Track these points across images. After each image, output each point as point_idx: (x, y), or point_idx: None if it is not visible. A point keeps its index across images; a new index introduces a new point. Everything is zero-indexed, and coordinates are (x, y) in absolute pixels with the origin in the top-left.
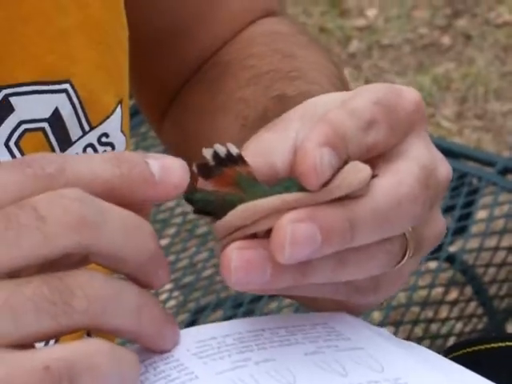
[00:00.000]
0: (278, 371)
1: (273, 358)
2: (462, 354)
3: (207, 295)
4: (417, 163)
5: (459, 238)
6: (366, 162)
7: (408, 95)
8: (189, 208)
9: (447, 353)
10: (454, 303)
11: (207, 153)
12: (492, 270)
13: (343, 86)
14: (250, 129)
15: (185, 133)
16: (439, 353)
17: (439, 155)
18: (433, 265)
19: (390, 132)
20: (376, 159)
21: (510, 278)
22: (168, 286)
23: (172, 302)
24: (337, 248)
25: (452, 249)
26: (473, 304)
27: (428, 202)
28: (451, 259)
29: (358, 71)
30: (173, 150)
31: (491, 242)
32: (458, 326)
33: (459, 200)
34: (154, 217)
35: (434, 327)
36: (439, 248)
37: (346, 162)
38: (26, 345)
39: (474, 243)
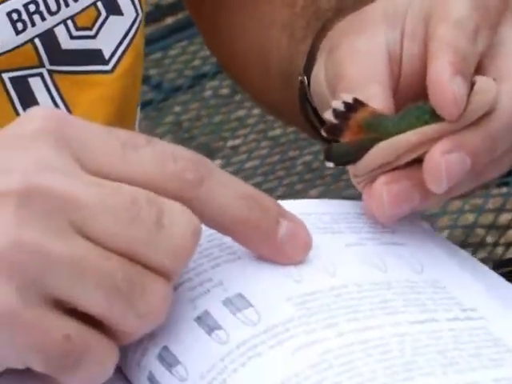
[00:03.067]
0: (320, 259)
1: (315, 245)
2: None
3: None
4: None
5: None
6: None
7: None
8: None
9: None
10: None
11: (328, 114)
12: None
13: None
14: (301, 16)
15: (219, 22)
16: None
17: None
18: (503, 190)
19: (490, 32)
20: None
21: None
22: None
23: None
24: (482, 165)
25: None
26: None
27: None
28: None
29: None
30: (207, 38)
31: None
32: None
33: None
34: (229, 115)
35: (498, 250)
36: (510, 173)
37: (472, 82)
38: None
39: None
